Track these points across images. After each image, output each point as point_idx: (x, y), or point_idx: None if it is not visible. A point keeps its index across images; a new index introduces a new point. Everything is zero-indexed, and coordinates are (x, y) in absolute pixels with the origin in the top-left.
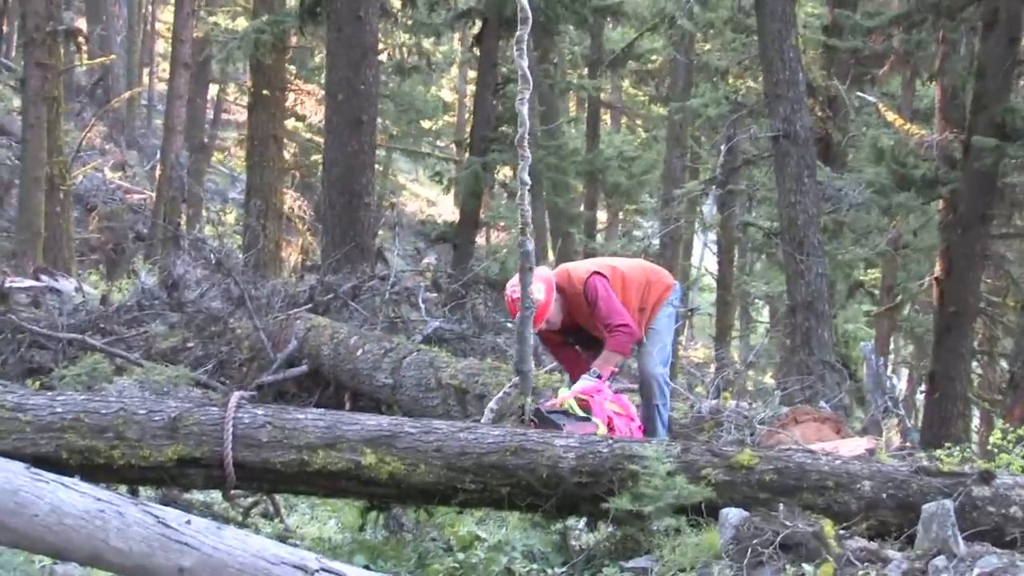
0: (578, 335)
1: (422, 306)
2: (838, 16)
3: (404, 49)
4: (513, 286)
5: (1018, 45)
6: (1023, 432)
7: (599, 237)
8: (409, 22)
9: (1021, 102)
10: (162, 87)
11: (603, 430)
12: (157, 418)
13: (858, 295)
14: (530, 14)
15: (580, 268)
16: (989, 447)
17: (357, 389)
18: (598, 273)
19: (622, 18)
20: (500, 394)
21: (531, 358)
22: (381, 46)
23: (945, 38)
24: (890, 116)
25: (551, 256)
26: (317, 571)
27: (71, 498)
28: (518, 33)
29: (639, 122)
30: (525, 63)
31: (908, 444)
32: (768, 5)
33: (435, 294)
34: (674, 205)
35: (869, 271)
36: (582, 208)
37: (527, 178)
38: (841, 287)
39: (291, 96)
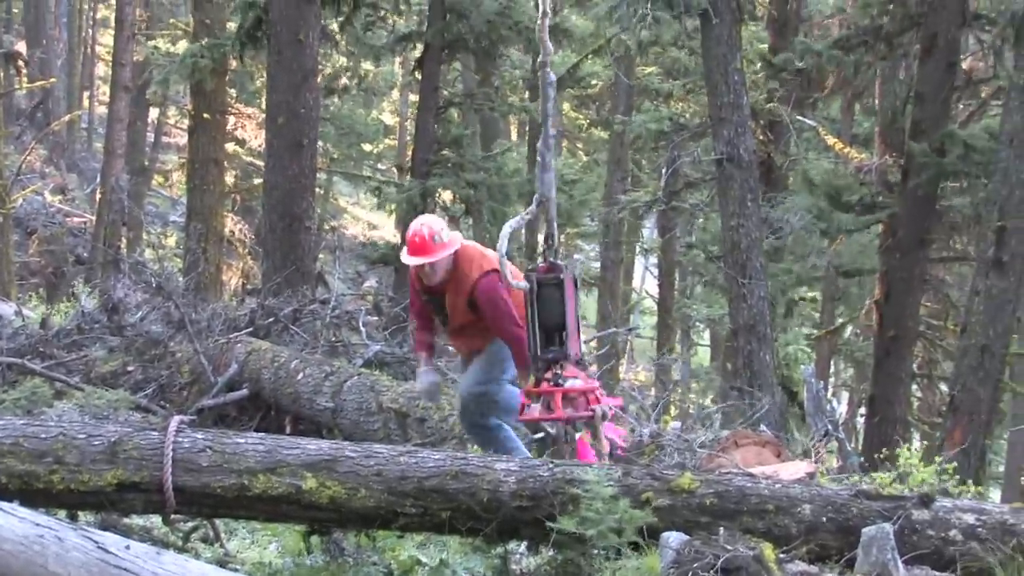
0: (438, 306)
1: (363, 330)
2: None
3: (344, 72)
4: (421, 224)
5: (956, 70)
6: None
7: (540, 260)
8: (349, 47)
9: (959, 128)
10: (102, 110)
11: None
12: (97, 443)
13: (799, 318)
14: None
15: (488, 258)
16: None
17: (298, 413)
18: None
19: (566, 40)
20: (518, 217)
21: (554, 186)
22: (320, 69)
23: (884, 62)
24: (830, 140)
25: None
26: None
27: (10, 523)
28: None
29: (580, 145)
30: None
31: (848, 467)
32: (713, 29)
33: (376, 317)
34: (614, 227)
35: (809, 293)
36: (523, 231)
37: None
38: (780, 308)
39: (231, 119)
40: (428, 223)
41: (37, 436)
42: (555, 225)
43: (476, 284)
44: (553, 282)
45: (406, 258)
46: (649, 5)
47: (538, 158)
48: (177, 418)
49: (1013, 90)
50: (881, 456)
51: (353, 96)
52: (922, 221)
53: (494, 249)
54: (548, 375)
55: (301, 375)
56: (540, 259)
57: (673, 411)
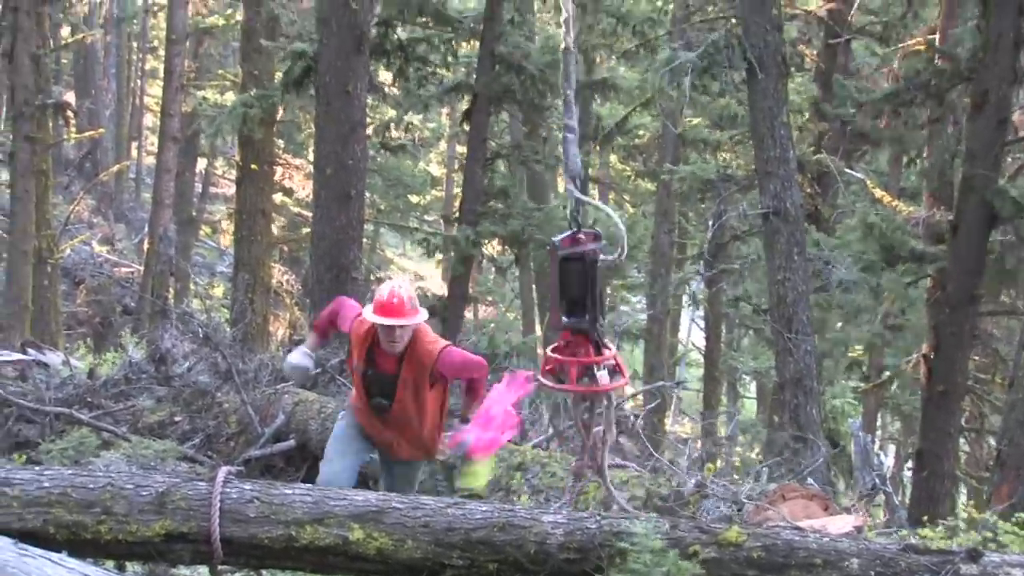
0: (381, 384)
1: None
2: (834, 83)
3: (392, 125)
4: (397, 286)
5: (1007, 126)
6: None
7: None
8: (398, 96)
9: (1009, 184)
10: (150, 161)
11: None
12: (145, 493)
13: (846, 372)
14: None
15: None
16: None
17: None
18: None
19: (613, 93)
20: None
21: (579, 159)
22: (369, 121)
23: (933, 118)
24: (878, 193)
25: (538, 331)
26: None
27: (58, 574)
28: None
29: (627, 197)
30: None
31: (895, 521)
32: (759, 83)
33: None
34: (661, 284)
35: (857, 347)
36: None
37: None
38: (830, 363)
39: (279, 170)
40: (405, 286)
41: (85, 486)
42: (581, 200)
43: (440, 355)
44: (578, 256)
45: (378, 318)
46: (690, 69)
47: (564, 132)
48: (225, 469)
49: None
50: (926, 517)
51: (401, 148)
52: (971, 276)
53: None
54: (580, 348)
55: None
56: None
57: (719, 463)
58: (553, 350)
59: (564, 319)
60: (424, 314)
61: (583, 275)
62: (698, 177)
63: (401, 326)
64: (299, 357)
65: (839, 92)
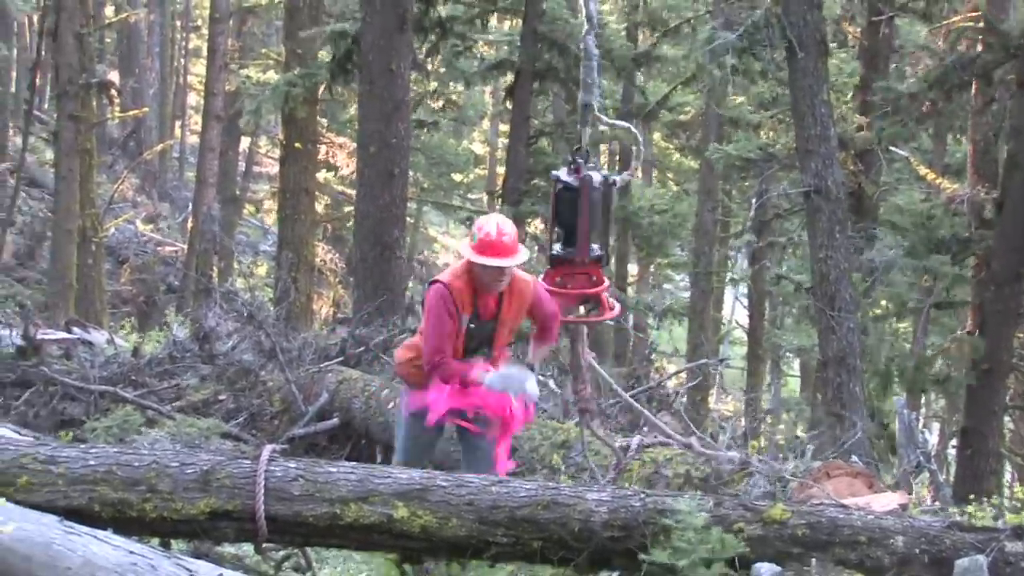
0: (481, 332)
1: None
2: (874, 87)
3: (435, 101)
4: (503, 221)
5: None
6: None
7: (630, 290)
8: (442, 70)
9: None
10: (194, 140)
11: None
12: (189, 471)
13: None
14: None
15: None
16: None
17: (389, 443)
18: None
19: (658, 66)
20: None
21: (596, 88)
22: (414, 99)
23: (978, 96)
24: (922, 170)
25: (581, 310)
26: None
27: (104, 551)
28: None
29: (670, 175)
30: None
31: (940, 499)
32: (799, 61)
33: None
34: (704, 257)
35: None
36: (613, 260)
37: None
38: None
39: (323, 149)
40: (506, 221)
41: (130, 464)
42: (587, 133)
43: (535, 287)
44: (604, 186)
45: (492, 260)
46: (730, 49)
47: (581, 45)
48: (269, 447)
49: None
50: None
51: (444, 125)
52: (1017, 254)
53: None
54: (590, 277)
55: (392, 404)
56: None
57: (763, 441)
58: (561, 275)
59: (593, 251)
60: (524, 250)
61: (607, 205)
62: (739, 156)
63: (513, 265)
64: (505, 371)
65: (880, 91)
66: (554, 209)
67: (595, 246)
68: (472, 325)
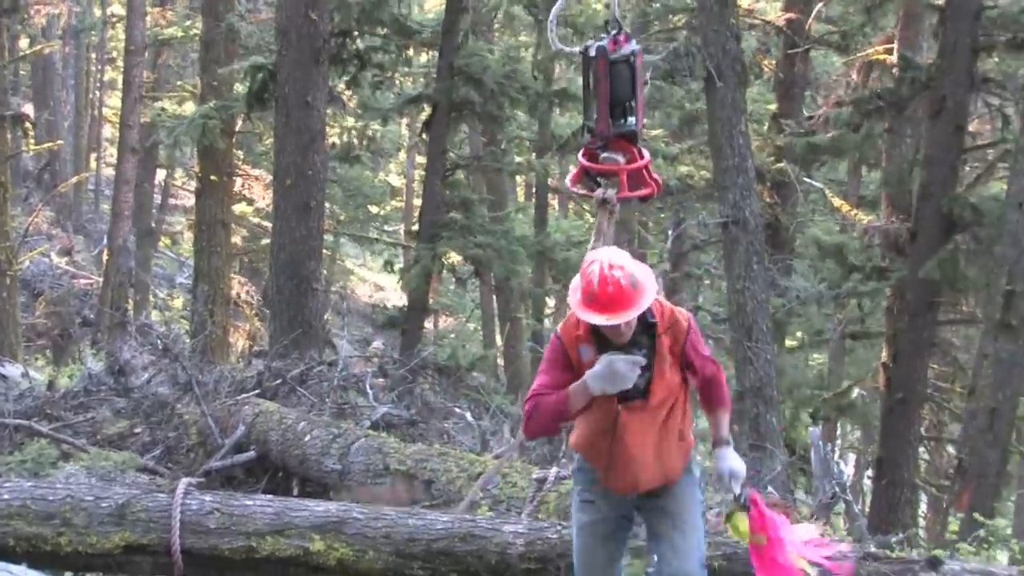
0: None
1: (370, 392)
2: (785, 122)
3: (351, 135)
4: (609, 265)
5: (964, 133)
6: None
7: (547, 322)
8: (357, 108)
9: (968, 192)
10: (109, 172)
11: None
12: (104, 505)
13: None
14: None
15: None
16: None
17: (305, 475)
18: None
19: (571, 103)
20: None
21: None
22: (328, 131)
23: (891, 127)
24: (837, 202)
25: (498, 341)
26: None
27: None
28: None
29: (586, 207)
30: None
31: (856, 529)
32: (718, 92)
33: (383, 379)
34: None
35: (817, 356)
36: (530, 293)
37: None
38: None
39: (239, 181)
40: (616, 259)
41: (44, 498)
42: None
43: (691, 324)
44: (624, 59)
45: (595, 317)
46: (650, 71)
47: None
48: (185, 480)
49: (1020, 153)
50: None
51: (361, 158)
52: (930, 284)
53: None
54: (617, 154)
55: (308, 437)
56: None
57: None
58: (587, 156)
59: (614, 125)
60: (653, 285)
61: (631, 77)
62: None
63: (624, 321)
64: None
65: (794, 123)
66: (584, 82)
67: (631, 121)
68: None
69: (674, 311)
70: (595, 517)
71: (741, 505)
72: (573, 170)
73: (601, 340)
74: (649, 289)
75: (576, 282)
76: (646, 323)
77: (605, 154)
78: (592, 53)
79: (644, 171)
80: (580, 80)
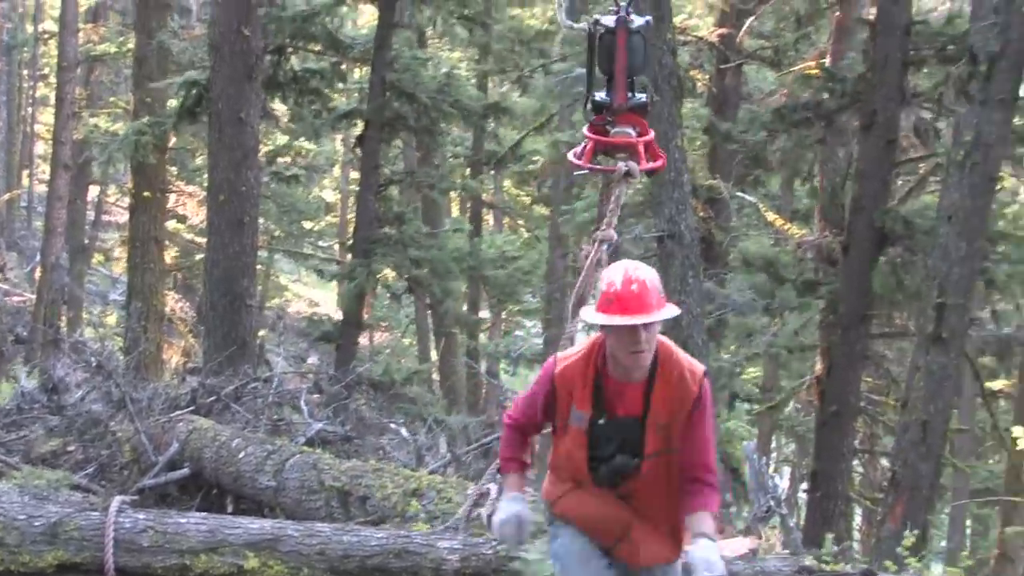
0: (618, 430)
1: (304, 408)
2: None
3: (286, 153)
4: (634, 268)
5: (895, 147)
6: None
7: (482, 337)
8: (290, 124)
9: (899, 205)
10: (42, 189)
11: None
12: (37, 524)
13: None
14: None
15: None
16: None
17: (240, 492)
18: None
19: (507, 118)
20: None
21: None
22: (262, 147)
23: (823, 139)
24: (770, 216)
25: (433, 356)
26: None
27: None
28: None
29: (521, 222)
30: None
31: (790, 543)
32: (654, 105)
33: (317, 395)
34: (556, 303)
35: (749, 370)
36: (465, 308)
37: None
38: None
39: (172, 197)
40: (641, 267)
41: None
42: None
43: (704, 380)
44: (640, 30)
45: (614, 318)
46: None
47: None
48: (118, 498)
49: (951, 166)
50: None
51: (294, 174)
52: (862, 297)
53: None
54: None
55: (243, 453)
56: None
57: None
58: (594, 130)
59: (630, 98)
60: (673, 307)
61: (643, 48)
62: (587, 220)
63: (647, 324)
64: (511, 503)
65: (734, 119)
66: (593, 54)
67: (641, 95)
68: (600, 421)
69: (683, 363)
70: (588, 553)
71: None
72: (575, 149)
73: (599, 402)
74: (670, 307)
75: (582, 305)
76: (650, 377)
77: (616, 128)
78: (611, 24)
79: (653, 144)
80: (515, 95)
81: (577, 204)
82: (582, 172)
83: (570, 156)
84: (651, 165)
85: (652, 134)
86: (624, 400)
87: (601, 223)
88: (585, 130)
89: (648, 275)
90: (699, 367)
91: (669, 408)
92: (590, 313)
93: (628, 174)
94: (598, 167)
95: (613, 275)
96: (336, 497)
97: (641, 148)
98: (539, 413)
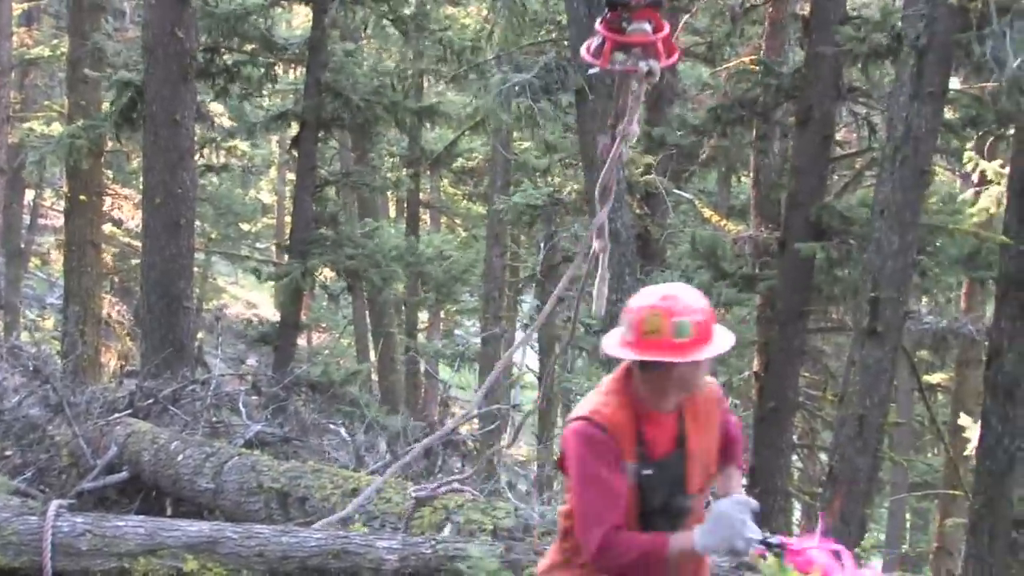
0: (668, 470)
1: (243, 410)
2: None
3: (215, 146)
4: (688, 293)
5: (831, 143)
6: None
7: (420, 336)
8: (224, 124)
9: (835, 200)
10: None
11: None
12: None
13: None
14: None
15: None
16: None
17: (179, 495)
18: None
19: (441, 120)
20: None
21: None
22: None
23: (759, 135)
24: (707, 212)
25: (372, 356)
26: None
27: None
28: None
29: (458, 221)
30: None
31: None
32: (589, 104)
33: (256, 397)
34: (494, 302)
35: None
36: (403, 307)
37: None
38: None
39: (108, 201)
40: (686, 287)
41: None
42: None
43: (719, 394)
44: None
45: (687, 355)
46: (527, 88)
47: None
48: (56, 502)
49: (885, 161)
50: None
51: (231, 175)
52: (800, 293)
53: None
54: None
55: (181, 456)
56: None
57: (556, 486)
58: (609, 29)
59: None
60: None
61: None
62: (526, 203)
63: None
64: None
65: (665, 119)
66: None
67: None
68: (646, 473)
69: (704, 388)
70: None
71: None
72: (587, 44)
73: (641, 448)
74: (724, 329)
75: (619, 333)
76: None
77: (633, 25)
78: None
79: (668, 38)
80: (449, 96)
81: (514, 195)
82: (595, 71)
83: (583, 54)
84: (671, 61)
85: (668, 27)
86: (660, 440)
87: (619, 120)
88: (599, 27)
89: (695, 296)
90: (714, 385)
91: (702, 430)
92: (628, 351)
93: (650, 73)
94: (617, 68)
95: (672, 301)
96: (275, 499)
97: (660, 45)
98: (623, 489)
